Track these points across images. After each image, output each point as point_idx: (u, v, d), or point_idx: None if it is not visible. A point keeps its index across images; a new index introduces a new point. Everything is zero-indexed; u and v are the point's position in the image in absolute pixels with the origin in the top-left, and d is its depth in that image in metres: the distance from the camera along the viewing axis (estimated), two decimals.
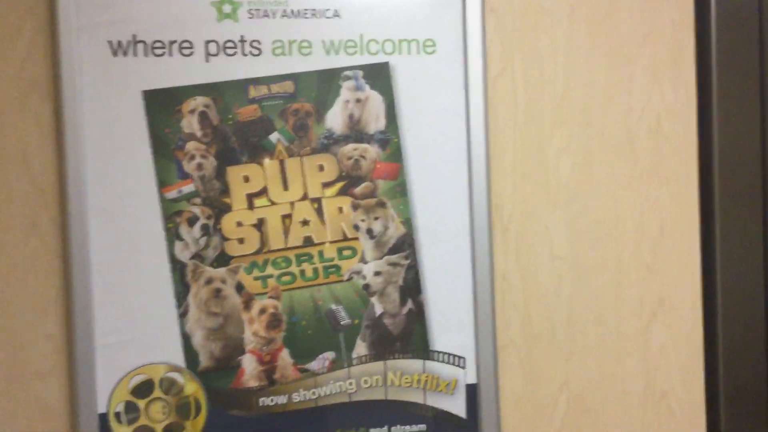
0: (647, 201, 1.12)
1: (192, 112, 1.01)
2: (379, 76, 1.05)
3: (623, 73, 1.11)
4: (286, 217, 1.04)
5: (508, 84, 1.09)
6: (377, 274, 1.05)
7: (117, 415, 1.01)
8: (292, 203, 1.04)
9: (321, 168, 1.04)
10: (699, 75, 1.13)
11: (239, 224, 1.03)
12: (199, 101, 1.01)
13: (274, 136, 1.03)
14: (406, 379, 1.07)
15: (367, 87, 1.05)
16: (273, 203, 1.03)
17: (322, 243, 1.04)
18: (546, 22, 1.09)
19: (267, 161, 1.03)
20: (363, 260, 1.05)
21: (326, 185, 1.04)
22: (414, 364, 1.07)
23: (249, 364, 1.03)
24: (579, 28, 1.10)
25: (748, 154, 1.13)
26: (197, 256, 1.02)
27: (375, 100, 1.05)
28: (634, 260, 1.12)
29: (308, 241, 1.04)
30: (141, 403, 1.01)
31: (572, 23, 1.10)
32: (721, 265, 1.13)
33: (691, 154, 1.13)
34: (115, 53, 0.99)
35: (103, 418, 1.00)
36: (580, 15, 1.10)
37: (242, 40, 1.02)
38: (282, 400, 1.04)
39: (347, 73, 1.04)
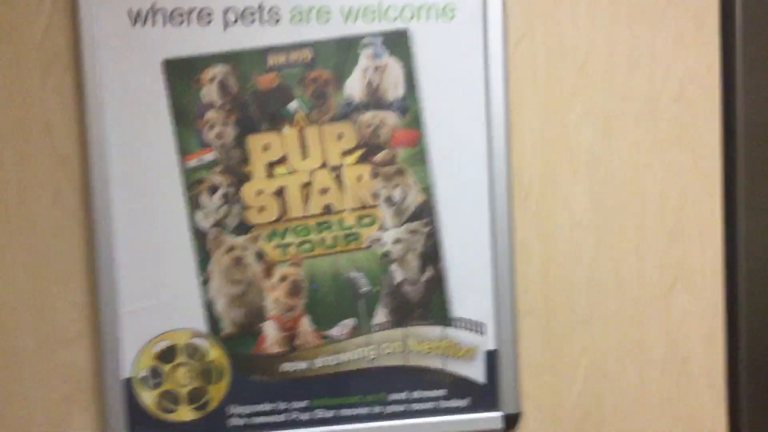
0: (669, 168, 1.11)
1: (211, 80, 1.01)
2: (398, 43, 1.04)
3: (646, 38, 1.10)
4: (306, 186, 1.04)
5: (528, 50, 1.08)
6: (397, 241, 1.06)
7: (142, 379, 1.03)
8: (311, 171, 1.04)
9: (340, 136, 1.04)
10: (723, 40, 1.11)
11: (259, 192, 1.03)
12: (218, 70, 1.01)
13: (293, 105, 1.03)
14: (426, 345, 1.07)
15: (386, 54, 1.04)
16: (292, 171, 1.04)
17: (342, 211, 1.05)
18: None
19: (286, 129, 1.03)
20: (383, 228, 1.06)
21: (345, 153, 1.04)
22: (434, 331, 1.07)
23: (271, 331, 1.05)
24: None
25: None
26: (218, 225, 1.03)
27: (394, 67, 1.04)
28: (655, 227, 1.12)
29: (328, 209, 1.04)
30: (165, 368, 1.03)
31: None
32: (744, 231, 1.12)
33: (714, 120, 1.12)
34: (134, 23, 1.00)
35: (128, 383, 1.02)
36: None
37: (261, 8, 1.02)
38: (303, 365, 1.05)
39: (366, 40, 1.04)
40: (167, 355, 1.03)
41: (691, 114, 1.11)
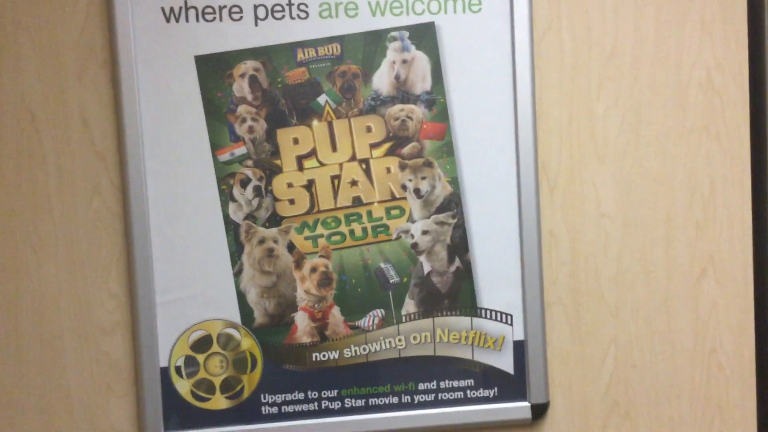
0: (697, 157, 1.11)
1: (242, 76, 1.03)
2: (424, 36, 1.05)
3: (673, 27, 1.09)
4: (335, 178, 1.06)
5: (554, 41, 1.08)
6: (425, 233, 1.07)
7: (177, 368, 1.05)
8: (340, 164, 1.06)
9: (368, 129, 1.06)
10: (750, 28, 1.11)
11: (290, 185, 1.05)
12: (249, 65, 1.03)
13: (322, 98, 1.05)
14: (454, 335, 1.09)
15: (412, 47, 1.05)
16: (322, 164, 1.05)
17: (371, 203, 1.06)
18: None
19: (315, 123, 1.05)
20: (411, 219, 1.07)
21: (374, 146, 1.06)
22: (462, 321, 1.09)
23: (301, 321, 1.07)
24: None
25: None
26: (250, 217, 1.05)
27: (421, 60, 1.06)
28: (683, 217, 1.12)
29: (357, 201, 1.06)
30: (200, 358, 1.06)
31: None
32: None
33: (743, 110, 1.11)
34: (168, 19, 1.02)
35: (165, 371, 1.05)
36: None
37: (290, 4, 1.03)
38: (334, 355, 1.07)
39: (393, 34, 1.05)
40: (202, 345, 1.06)
41: (720, 102, 1.11)
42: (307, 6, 1.04)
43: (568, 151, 1.10)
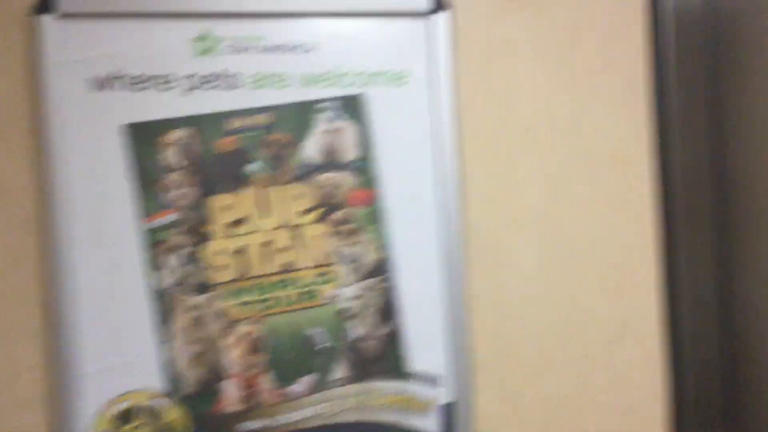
0: (609, 226, 1.18)
1: (173, 144, 1.04)
2: (353, 107, 1.09)
3: (583, 104, 1.18)
4: (266, 245, 1.07)
5: (477, 113, 1.14)
6: (355, 297, 1.09)
7: None
8: (271, 231, 1.07)
9: (299, 196, 1.08)
10: (656, 103, 1.20)
11: (220, 252, 1.05)
12: (179, 133, 1.04)
13: (252, 167, 1.07)
14: (384, 399, 1.10)
15: (342, 118, 1.09)
16: (252, 231, 1.06)
17: (301, 269, 1.08)
18: (510, 57, 1.15)
19: (246, 191, 1.06)
20: (341, 285, 1.09)
21: (304, 213, 1.08)
22: (391, 385, 1.10)
23: (231, 389, 1.05)
24: (542, 61, 1.16)
25: (705, 178, 1.20)
26: (179, 284, 1.04)
27: (350, 130, 1.09)
28: (598, 281, 1.18)
29: (287, 267, 1.07)
30: (125, 430, 1.02)
31: (535, 56, 1.16)
32: (682, 285, 1.20)
33: (648, 180, 1.19)
34: (97, 88, 1.02)
35: None
36: (541, 49, 1.16)
37: (221, 74, 1.06)
38: (263, 424, 1.06)
39: (323, 105, 1.08)
40: (126, 416, 1.02)
41: (627, 174, 1.19)
42: (239, 76, 1.06)
43: (492, 217, 1.15)
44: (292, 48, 1.08)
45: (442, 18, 1.11)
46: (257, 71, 1.07)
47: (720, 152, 1.20)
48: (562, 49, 1.17)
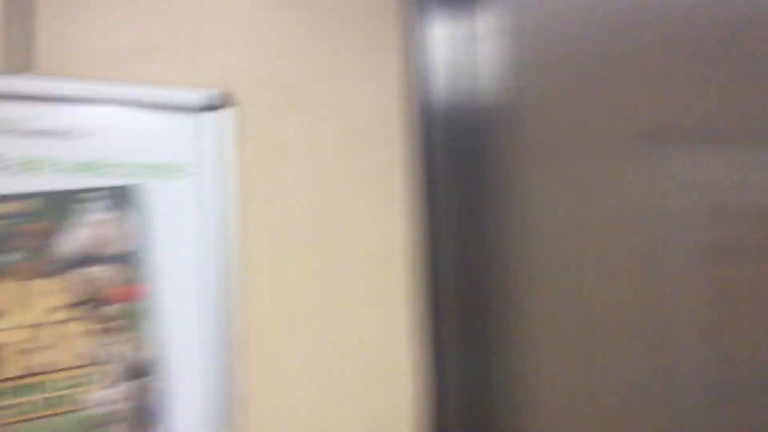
0: (365, 322, 1.20)
1: None
2: (124, 198, 1.05)
3: (350, 204, 1.21)
4: (7, 345, 0.97)
5: (258, 209, 1.14)
6: (113, 402, 1.01)
7: None
8: (17, 329, 0.98)
9: (53, 292, 1.00)
10: (428, 203, 1.25)
11: None
12: None
13: (7, 258, 0.98)
14: None
15: (111, 209, 1.04)
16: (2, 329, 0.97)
17: (52, 371, 0.98)
18: (292, 155, 1.17)
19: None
20: (100, 388, 1.00)
21: (58, 309, 1.00)
22: None
23: None
24: (317, 161, 1.19)
25: (472, 273, 1.25)
26: None
27: (119, 222, 1.04)
28: (361, 377, 1.19)
29: (32, 371, 0.98)
30: None
31: (313, 156, 1.18)
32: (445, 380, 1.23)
33: (404, 278, 1.23)
34: None
35: None
36: (317, 150, 1.19)
37: None
38: None
39: (89, 194, 1.03)
40: None
41: (385, 272, 1.22)
42: (2, 159, 0.99)
43: (268, 316, 1.13)
44: (63, 133, 1.03)
45: (225, 114, 1.11)
46: (20, 155, 1.00)
47: (486, 249, 1.25)
48: (335, 151, 1.20)
